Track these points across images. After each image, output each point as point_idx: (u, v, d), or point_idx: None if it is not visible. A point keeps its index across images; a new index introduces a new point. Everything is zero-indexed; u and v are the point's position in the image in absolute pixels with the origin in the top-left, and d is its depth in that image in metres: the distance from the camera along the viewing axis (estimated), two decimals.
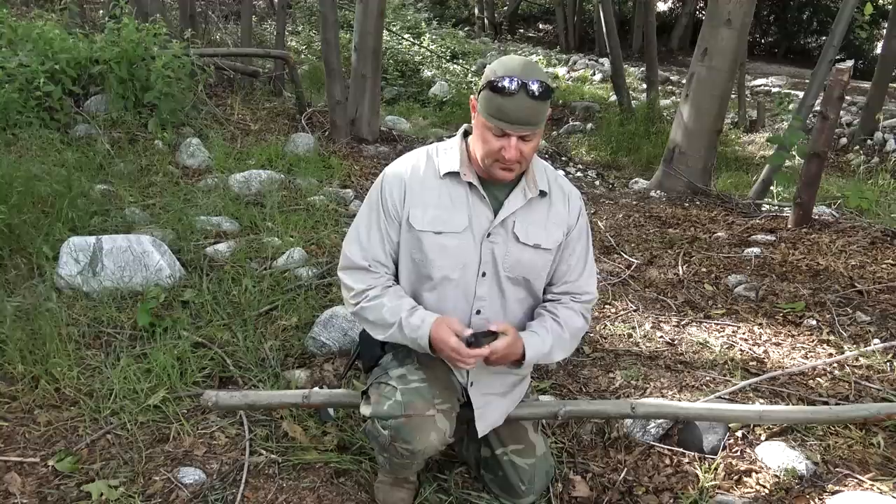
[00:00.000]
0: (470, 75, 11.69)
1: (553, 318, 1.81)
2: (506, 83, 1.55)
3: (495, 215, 1.73)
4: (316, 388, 2.05)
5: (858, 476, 2.04)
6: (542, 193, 1.77)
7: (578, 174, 6.79)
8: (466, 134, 1.78)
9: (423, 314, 1.69)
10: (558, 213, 1.80)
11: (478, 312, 1.78)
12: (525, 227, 1.75)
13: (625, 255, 3.97)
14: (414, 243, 1.74)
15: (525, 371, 1.96)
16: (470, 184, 1.73)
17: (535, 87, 1.55)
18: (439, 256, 1.73)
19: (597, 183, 6.55)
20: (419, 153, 1.81)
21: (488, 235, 1.73)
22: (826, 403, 2.41)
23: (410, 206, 1.73)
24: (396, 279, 1.81)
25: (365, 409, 1.74)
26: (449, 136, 1.99)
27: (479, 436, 1.86)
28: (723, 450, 2.19)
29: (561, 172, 1.94)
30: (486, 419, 1.86)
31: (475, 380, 1.83)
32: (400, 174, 1.77)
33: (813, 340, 2.93)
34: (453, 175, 1.74)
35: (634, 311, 3.24)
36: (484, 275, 1.76)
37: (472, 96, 1.71)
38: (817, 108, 4.95)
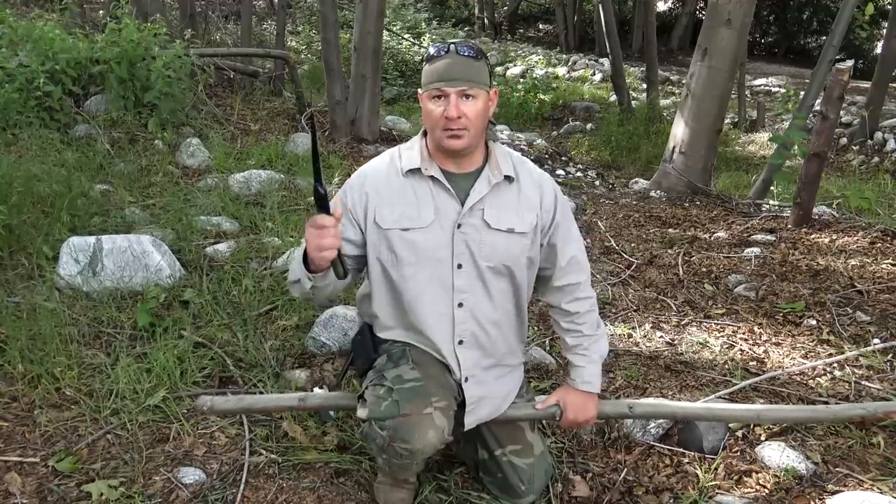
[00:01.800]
0: None
1: (582, 336, 1.93)
2: (435, 50, 1.69)
3: (462, 205, 1.75)
4: (315, 390, 2.05)
5: (858, 476, 2.04)
6: (509, 178, 1.79)
7: (578, 174, 6.79)
8: (426, 133, 1.80)
9: None
10: (529, 197, 1.82)
11: (460, 305, 1.78)
12: (495, 212, 1.77)
13: (625, 255, 3.97)
14: (383, 243, 1.76)
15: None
16: (433, 178, 1.75)
17: (463, 48, 1.67)
18: (409, 253, 1.74)
19: (597, 183, 6.55)
20: (383, 156, 1.85)
21: (459, 226, 1.75)
22: (826, 403, 2.41)
23: (377, 207, 1.76)
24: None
25: (361, 412, 1.74)
26: None
27: (465, 429, 1.84)
28: (723, 450, 2.19)
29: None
30: (476, 413, 1.85)
31: (469, 375, 1.84)
32: (363, 177, 1.81)
33: (813, 340, 2.93)
34: (415, 172, 1.76)
35: (634, 311, 3.24)
36: (460, 266, 1.77)
37: (419, 91, 1.76)
38: (817, 107, 4.95)
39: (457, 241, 1.75)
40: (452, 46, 1.67)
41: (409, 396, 1.67)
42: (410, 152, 1.79)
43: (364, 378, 1.86)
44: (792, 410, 2.27)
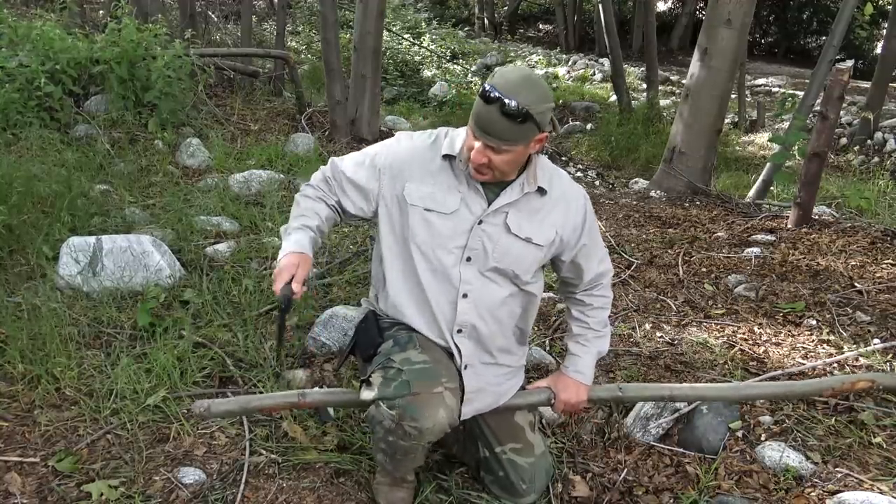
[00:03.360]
0: (470, 75, 11.70)
1: (587, 328, 1.97)
2: (487, 91, 1.60)
3: (489, 205, 1.76)
4: (315, 390, 2.04)
5: (858, 476, 2.04)
6: (541, 191, 1.79)
7: (578, 174, 6.80)
8: None
9: (295, 238, 1.80)
10: (555, 214, 1.82)
11: (465, 296, 1.79)
12: (518, 220, 1.78)
13: (625, 255, 3.97)
14: (404, 218, 1.78)
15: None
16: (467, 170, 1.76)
17: (511, 104, 1.57)
18: (423, 233, 1.76)
19: (597, 183, 6.55)
20: (434, 131, 1.87)
21: (480, 223, 1.76)
22: (826, 403, 2.41)
23: (408, 180, 1.78)
24: (339, 210, 1.92)
25: (367, 394, 1.72)
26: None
27: (461, 419, 1.83)
28: (723, 450, 2.19)
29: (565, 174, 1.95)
30: (473, 404, 1.86)
31: (469, 363, 1.84)
32: (402, 149, 1.83)
33: (813, 340, 2.93)
34: (452, 158, 1.77)
35: (634, 311, 3.24)
36: (469, 259, 1.78)
37: None
38: (817, 108, 4.95)
39: (473, 236, 1.76)
40: (499, 100, 1.57)
41: (419, 376, 1.66)
42: (456, 138, 1.79)
43: (368, 364, 1.84)
44: (770, 386, 2.33)
